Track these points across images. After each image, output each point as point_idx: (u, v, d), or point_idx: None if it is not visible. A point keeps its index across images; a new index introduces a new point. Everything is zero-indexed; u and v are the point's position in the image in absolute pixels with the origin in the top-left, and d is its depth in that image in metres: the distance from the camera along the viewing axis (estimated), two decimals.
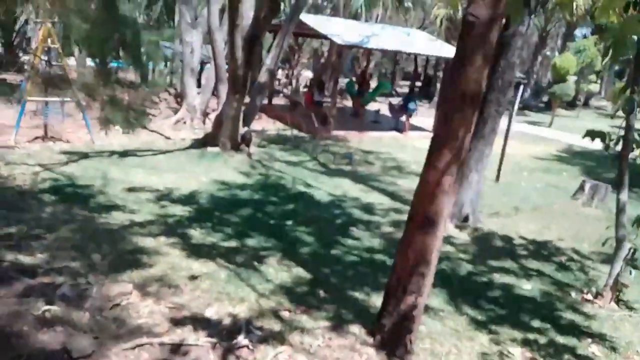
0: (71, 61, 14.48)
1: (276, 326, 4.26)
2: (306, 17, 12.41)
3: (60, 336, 3.73)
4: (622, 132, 5.55)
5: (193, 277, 4.88)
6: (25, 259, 4.82)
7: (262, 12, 8.93)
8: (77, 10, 3.40)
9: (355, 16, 20.27)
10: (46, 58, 8.61)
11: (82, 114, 9.56)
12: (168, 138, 10.77)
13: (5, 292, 4.17)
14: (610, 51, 4.73)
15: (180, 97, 13.63)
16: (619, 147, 5.67)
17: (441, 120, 3.61)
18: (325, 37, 13.55)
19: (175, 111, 13.30)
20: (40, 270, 4.64)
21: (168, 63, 16.40)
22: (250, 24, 9.10)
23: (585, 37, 27.10)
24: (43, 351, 3.56)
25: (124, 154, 9.35)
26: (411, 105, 15.37)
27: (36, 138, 9.69)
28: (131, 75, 18.25)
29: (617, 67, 36.19)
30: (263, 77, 10.50)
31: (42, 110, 9.91)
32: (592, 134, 5.76)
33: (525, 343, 4.54)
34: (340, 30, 13.43)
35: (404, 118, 15.75)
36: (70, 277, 4.57)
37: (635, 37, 5.11)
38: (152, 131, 11.34)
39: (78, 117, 11.55)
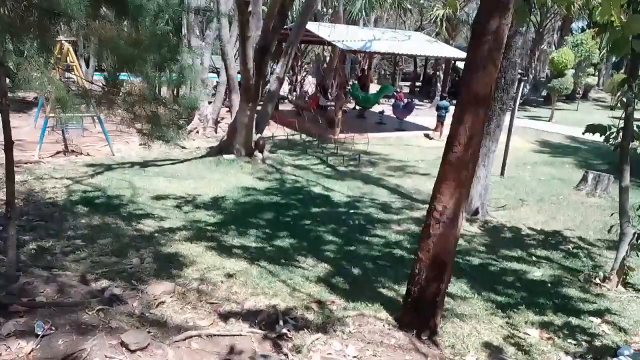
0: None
1: (309, 316, 4.63)
2: (310, 25, 12.81)
3: (116, 331, 4.10)
4: (621, 125, 5.91)
5: (229, 275, 5.25)
6: (72, 266, 5.20)
7: (271, 23, 9.33)
8: (123, 36, 3.77)
9: (355, 20, 20.67)
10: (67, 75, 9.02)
11: (102, 127, 9.96)
12: (183, 147, 11.14)
13: (60, 294, 4.55)
14: (608, 47, 5.08)
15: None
16: (618, 139, 6.03)
17: (456, 121, 3.97)
18: (329, 44, 13.94)
19: (188, 121, 13.68)
20: (87, 274, 5.02)
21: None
22: (260, 35, 9.49)
23: (583, 29, 27.45)
24: (103, 345, 3.92)
25: (144, 164, 9.74)
26: (442, 107, 15.49)
27: (58, 152, 10.08)
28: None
29: (614, 59, 36.56)
30: (273, 85, 10.90)
31: (63, 126, 10.29)
32: (592, 129, 6.11)
33: (541, 324, 4.89)
34: (343, 36, 13.83)
35: (417, 120, 16.03)
36: (116, 280, 4.95)
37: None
38: (166, 141, 11.71)
39: (94, 131, 11.97)
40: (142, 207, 7.24)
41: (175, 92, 10.20)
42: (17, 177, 8.12)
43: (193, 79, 4.38)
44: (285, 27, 11.21)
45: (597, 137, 6.20)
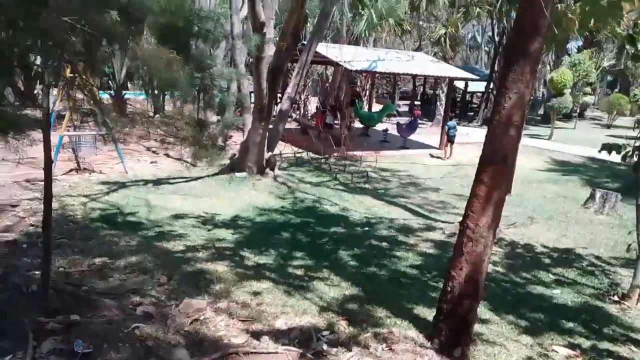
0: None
1: (341, 334, 4.66)
2: (319, 47, 13.01)
3: (154, 350, 4.13)
4: (637, 144, 6.04)
5: (256, 293, 5.29)
6: (100, 284, 5.22)
7: (284, 45, 9.51)
8: (166, 59, 3.87)
9: (356, 41, 21.02)
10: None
11: (115, 146, 10.02)
12: (194, 165, 11.18)
13: (94, 313, 4.57)
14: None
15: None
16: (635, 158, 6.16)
17: (489, 141, 4.08)
18: (337, 65, 14.17)
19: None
20: (118, 292, 5.04)
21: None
22: (273, 56, 9.66)
23: (578, 50, 27.96)
24: None
25: (158, 182, 9.80)
26: (451, 127, 15.45)
27: (70, 170, 10.12)
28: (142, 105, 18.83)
29: (609, 78, 37.20)
30: (285, 104, 11.06)
31: (75, 144, 10.36)
32: (608, 148, 6.25)
33: (567, 343, 4.94)
34: (350, 57, 14.07)
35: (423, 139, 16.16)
36: (147, 297, 4.98)
37: None
38: (177, 159, 11.80)
39: (104, 149, 12.01)
40: (161, 224, 7.28)
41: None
42: (34, 195, 8.19)
43: (228, 103, 4.49)
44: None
45: (601, 155, 6.31)
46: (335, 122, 16.32)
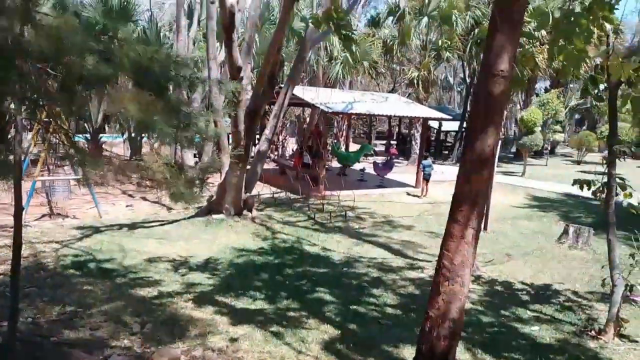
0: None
1: None
2: (296, 89, 13.28)
3: None
4: (605, 180, 6.23)
5: (232, 340, 5.17)
6: (71, 334, 5.04)
7: (261, 88, 9.68)
8: (143, 103, 3.91)
9: (333, 83, 21.50)
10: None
11: (90, 190, 9.89)
12: (170, 208, 11.09)
13: None
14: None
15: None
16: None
17: (461, 180, 4.17)
18: (314, 107, 14.43)
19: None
20: (88, 343, 4.87)
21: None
22: (250, 99, 9.81)
23: (547, 89, 29.05)
24: None
25: (133, 226, 9.64)
26: (427, 165, 15.61)
27: (43, 215, 9.90)
28: (119, 148, 18.74)
29: (577, 116, 38.57)
30: (263, 145, 11.14)
31: (48, 189, 10.19)
32: (580, 183, 6.45)
33: None
34: (327, 99, 14.36)
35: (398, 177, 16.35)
36: (118, 347, 4.81)
37: None
38: (153, 202, 11.68)
39: (79, 193, 11.84)
40: (135, 270, 7.12)
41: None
42: (5, 242, 7.96)
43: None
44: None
45: (573, 191, 6.48)
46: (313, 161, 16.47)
